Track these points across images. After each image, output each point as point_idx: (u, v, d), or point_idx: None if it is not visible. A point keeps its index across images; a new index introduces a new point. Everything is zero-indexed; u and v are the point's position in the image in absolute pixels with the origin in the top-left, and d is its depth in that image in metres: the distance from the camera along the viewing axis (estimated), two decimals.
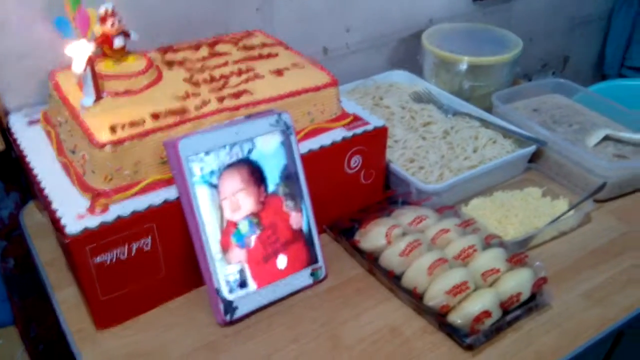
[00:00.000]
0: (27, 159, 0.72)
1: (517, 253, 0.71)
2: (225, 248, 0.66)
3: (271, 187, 0.69)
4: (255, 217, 0.68)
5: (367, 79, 1.09)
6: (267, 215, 0.68)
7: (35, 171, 0.70)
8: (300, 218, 0.71)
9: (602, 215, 0.86)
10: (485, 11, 1.28)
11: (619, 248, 0.80)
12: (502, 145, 0.94)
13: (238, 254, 0.67)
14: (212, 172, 0.65)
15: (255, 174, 0.68)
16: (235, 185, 0.66)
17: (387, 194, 0.86)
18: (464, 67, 1.06)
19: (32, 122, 0.79)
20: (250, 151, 0.67)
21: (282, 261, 0.70)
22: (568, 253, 0.79)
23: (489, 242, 0.73)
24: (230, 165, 0.66)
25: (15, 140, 0.76)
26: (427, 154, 0.90)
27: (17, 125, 0.79)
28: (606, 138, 0.96)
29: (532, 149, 0.92)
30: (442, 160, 0.90)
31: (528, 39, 1.38)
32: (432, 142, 0.94)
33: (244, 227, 0.67)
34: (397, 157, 0.90)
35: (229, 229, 0.66)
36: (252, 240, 0.68)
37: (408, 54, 1.18)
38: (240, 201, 0.67)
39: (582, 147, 0.93)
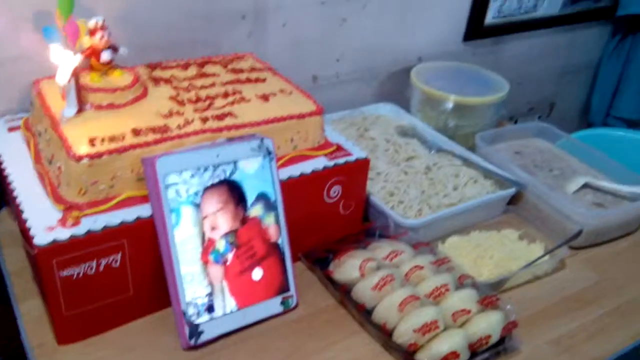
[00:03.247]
0: (3, 165, 0.71)
1: (489, 295, 0.71)
2: (206, 262, 0.65)
3: (250, 208, 0.68)
4: (234, 236, 0.67)
5: (355, 109, 1.10)
6: (245, 233, 0.68)
7: (10, 178, 0.69)
8: (274, 242, 0.70)
9: (576, 262, 0.86)
10: (475, 52, 1.30)
11: (591, 297, 0.80)
12: (482, 185, 0.94)
13: (216, 271, 0.66)
14: (196, 192, 0.64)
15: (236, 193, 0.67)
16: (216, 203, 0.66)
17: (365, 226, 0.86)
18: (449, 105, 1.07)
19: (12, 129, 0.78)
20: (232, 173, 0.67)
21: (258, 273, 0.69)
22: (540, 298, 0.79)
23: (462, 282, 0.73)
24: (212, 186, 0.66)
25: None
26: (408, 189, 0.91)
27: None
28: (586, 186, 0.97)
29: (511, 191, 0.92)
30: (422, 195, 0.90)
31: (516, 83, 1.39)
32: (414, 177, 0.94)
33: (221, 245, 0.67)
34: (377, 190, 0.90)
35: (208, 247, 0.66)
36: (230, 257, 0.67)
37: (396, 88, 1.19)
38: (219, 219, 0.66)
39: (561, 193, 0.94)
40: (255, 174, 0.68)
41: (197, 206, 0.65)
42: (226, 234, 0.67)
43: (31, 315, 0.70)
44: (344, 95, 1.16)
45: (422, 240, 0.81)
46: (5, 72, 0.81)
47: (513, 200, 0.94)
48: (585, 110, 1.69)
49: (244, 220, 0.68)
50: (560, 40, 1.46)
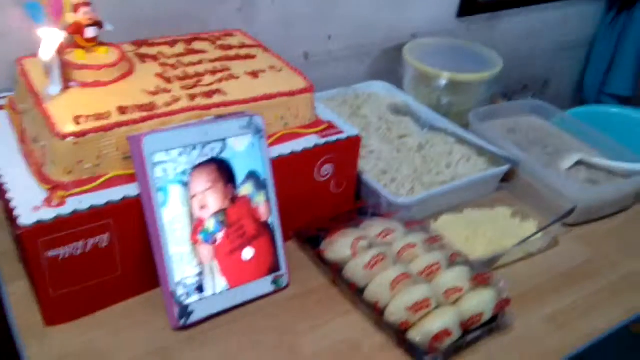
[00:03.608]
0: None
1: (482, 273, 0.71)
2: (196, 241, 0.65)
3: (240, 187, 0.67)
4: (223, 215, 0.66)
5: (347, 87, 1.09)
6: (235, 212, 0.67)
7: None
8: (265, 221, 0.69)
9: (570, 239, 0.86)
10: (469, 28, 1.28)
11: (584, 274, 0.80)
12: (475, 163, 0.93)
13: (205, 251, 0.65)
14: (184, 171, 0.63)
15: (225, 172, 0.66)
16: (205, 182, 0.65)
17: (357, 204, 0.85)
18: (443, 82, 1.06)
19: None
20: (222, 151, 0.66)
21: (248, 253, 0.68)
22: (533, 275, 0.79)
23: (454, 259, 0.73)
24: (200, 164, 0.64)
25: None
26: (401, 167, 0.90)
27: None
28: (579, 162, 0.96)
29: (504, 168, 0.92)
30: (414, 173, 0.89)
31: (510, 59, 1.38)
32: (407, 154, 0.93)
33: (211, 224, 0.66)
34: (370, 168, 0.89)
35: (197, 226, 0.65)
36: (220, 237, 0.66)
37: (389, 65, 1.18)
38: (208, 198, 0.65)
39: (555, 170, 0.93)
40: (245, 152, 0.67)
41: (186, 185, 0.64)
42: (216, 213, 0.66)
43: (18, 296, 0.69)
44: (336, 73, 1.14)
45: (414, 218, 0.80)
46: None
47: (506, 177, 0.94)
48: (579, 87, 1.68)
49: (234, 199, 0.67)
50: (554, 17, 1.44)
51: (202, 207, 0.65)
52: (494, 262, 0.78)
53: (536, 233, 0.82)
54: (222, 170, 0.66)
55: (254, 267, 0.69)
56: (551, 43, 1.51)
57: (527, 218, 0.86)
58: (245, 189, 0.68)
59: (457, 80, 1.06)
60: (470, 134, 0.99)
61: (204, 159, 0.65)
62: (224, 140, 0.66)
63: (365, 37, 1.15)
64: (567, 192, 0.87)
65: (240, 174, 0.67)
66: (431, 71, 1.06)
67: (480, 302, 0.68)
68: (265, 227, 0.70)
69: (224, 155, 0.66)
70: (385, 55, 1.20)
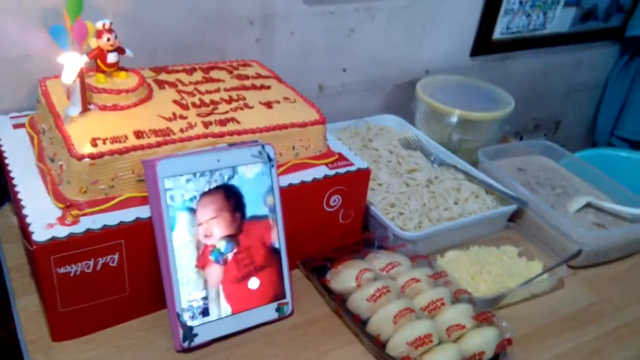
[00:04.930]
0: (6, 161, 0.72)
1: (485, 311, 0.71)
2: (202, 267, 0.65)
3: (249, 214, 0.68)
4: (232, 240, 0.67)
5: (360, 119, 1.10)
6: (243, 239, 0.68)
7: (12, 174, 0.70)
8: (272, 249, 0.70)
9: (575, 282, 0.86)
10: (482, 67, 1.30)
11: (588, 317, 0.80)
12: (483, 201, 0.94)
13: (216, 272, 0.66)
14: (192, 197, 0.65)
15: (234, 200, 0.67)
16: (212, 211, 0.66)
17: (364, 236, 0.86)
18: (454, 119, 1.07)
19: (17, 126, 0.79)
20: (231, 178, 0.67)
21: (254, 282, 0.69)
22: (537, 316, 0.79)
23: (458, 296, 0.73)
24: (210, 191, 0.66)
25: None
26: (409, 201, 0.91)
27: (2, 127, 0.78)
28: (588, 205, 0.97)
29: (512, 207, 0.92)
30: (422, 208, 0.90)
31: (522, 99, 1.40)
32: (415, 189, 0.94)
33: (221, 246, 0.67)
34: (378, 201, 0.90)
35: (207, 249, 0.66)
36: (229, 258, 0.67)
37: (402, 100, 1.19)
38: (215, 226, 0.66)
39: (563, 212, 0.94)
40: (255, 180, 0.69)
41: (193, 212, 0.65)
42: (225, 237, 0.67)
43: (28, 310, 0.70)
44: (349, 105, 1.16)
45: (420, 253, 0.81)
46: (14, 70, 0.82)
47: (514, 216, 0.94)
48: (592, 129, 1.69)
49: (242, 227, 0.68)
50: (568, 59, 1.46)
51: (207, 236, 0.66)
52: (498, 301, 0.79)
53: (541, 274, 0.83)
54: (230, 197, 0.67)
55: (258, 294, 0.70)
56: (564, 84, 1.52)
57: (533, 258, 0.86)
58: (254, 217, 0.69)
59: (468, 118, 1.07)
60: (480, 172, 1.00)
61: (213, 185, 0.66)
62: (234, 167, 0.67)
63: (379, 71, 1.17)
64: (574, 235, 0.87)
65: (249, 201, 0.69)
66: (443, 108, 1.08)
67: (482, 340, 0.68)
68: (272, 255, 0.70)
69: (233, 182, 0.67)
70: (398, 90, 1.22)
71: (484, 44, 1.26)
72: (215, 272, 0.66)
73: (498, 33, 1.27)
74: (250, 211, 0.69)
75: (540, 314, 0.79)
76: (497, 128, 1.11)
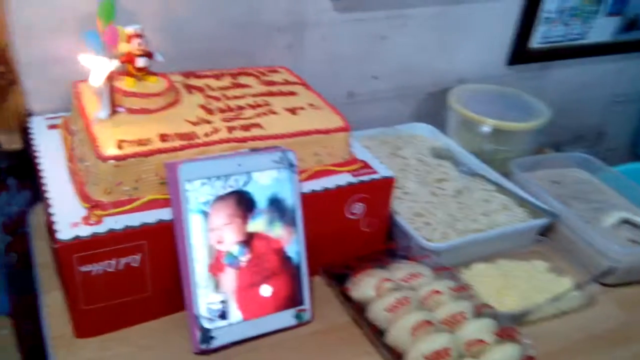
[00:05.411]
0: (38, 161, 0.74)
1: (508, 327, 0.69)
2: (214, 273, 0.66)
3: (262, 222, 0.68)
4: (245, 246, 0.68)
5: (390, 127, 1.09)
6: (256, 247, 0.68)
7: (43, 174, 0.72)
8: (290, 256, 0.70)
9: (606, 300, 0.83)
10: (519, 76, 1.27)
11: (618, 338, 0.77)
12: (514, 213, 0.92)
13: (229, 276, 0.67)
14: (207, 201, 0.65)
15: (248, 206, 0.68)
16: (226, 215, 0.66)
17: (388, 245, 0.85)
18: (486, 129, 1.05)
19: (52, 127, 0.82)
20: (246, 184, 0.67)
21: (266, 290, 0.69)
22: (565, 335, 0.76)
23: (481, 311, 0.71)
24: (224, 196, 0.66)
25: (31, 141, 0.79)
26: (435, 211, 0.89)
27: (37, 127, 0.81)
28: (624, 221, 0.93)
29: (543, 221, 0.90)
30: (449, 219, 0.88)
31: (562, 110, 1.36)
32: (443, 199, 0.92)
33: (235, 250, 0.67)
34: (404, 210, 0.89)
35: (220, 254, 0.66)
36: (242, 264, 0.67)
37: (434, 108, 1.18)
38: (228, 231, 0.67)
39: (597, 227, 0.91)
40: (272, 185, 0.69)
41: (207, 216, 0.65)
42: (237, 243, 0.67)
43: (54, 307, 0.72)
44: (380, 113, 1.15)
45: (444, 264, 0.79)
46: (50, 73, 0.85)
47: (546, 230, 0.91)
48: (635, 142, 1.63)
49: (255, 233, 0.68)
50: (610, 69, 1.41)
51: (219, 242, 0.66)
52: (524, 317, 0.76)
53: (571, 290, 0.80)
54: (243, 203, 0.67)
55: (276, 300, 0.70)
56: (606, 95, 1.47)
57: (563, 274, 0.84)
58: (271, 223, 0.69)
59: (501, 128, 1.05)
60: (511, 183, 0.97)
61: (228, 190, 0.66)
62: (252, 173, 0.67)
63: (411, 79, 1.16)
64: (608, 251, 0.84)
65: (263, 207, 0.68)
66: (475, 117, 1.06)
67: (502, 357, 0.66)
68: (289, 261, 0.70)
69: (247, 188, 0.67)
70: (430, 98, 1.20)
71: (520, 53, 1.23)
72: (230, 276, 0.67)
73: (535, 42, 1.24)
74: (264, 218, 0.68)
75: (568, 332, 0.77)
76: (531, 139, 1.08)
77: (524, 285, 0.80)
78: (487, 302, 0.74)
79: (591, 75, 1.39)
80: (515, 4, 1.19)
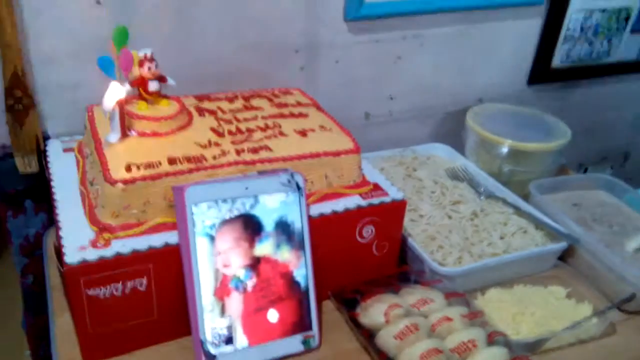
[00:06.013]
0: (52, 183, 0.75)
1: (521, 356, 0.67)
2: (220, 297, 0.65)
3: (269, 245, 0.68)
4: (251, 270, 0.67)
5: (406, 148, 1.08)
6: (263, 271, 0.68)
7: (56, 196, 0.73)
8: (298, 280, 0.70)
9: (627, 328, 0.79)
10: (540, 95, 1.25)
11: None
12: (532, 237, 0.89)
13: (236, 301, 0.66)
14: (213, 225, 0.65)
15: (254, 229, 0.67)
16: (232, 239, 0.66)
17: (400, 269, 0.83)
18: (504, 150, 1.03)
19: (67, 150, 0.83)
20: (252, 207, 0.67)
21: (273, 315, 0.68)
22: None
23: (493, 338, 0.69)
24: (230, 219, 0.66)
25: (47, 164, 0.80)
26: (450, 234, 0.87)
27: (53, 150, 0.83)
28: None
29: (562, 245, 0.87)
30: (464, 242, 0.86)
31: (586, 130, 1.33)
32: (458, 222, 0.91)
33: (241, 274, 0.67)
34: (418, 233, 0.87)
35: (226, 278, 0.66)
36: (248, 288, 0.67)
37: (453, 129, 1.16)
38: (234, 255, 0.66)
39: (618, 252, 0.88)
40: (280, 208, 0.68)
41: (213, 239, 0.65)
42: (243, 267, 0.67)
43: (63, 329, 0.72)
44: (397, 133, 1.15)
45: (459, 290, 0.77)
46: (67, 96, 0.87)
47: (564, 255, 0.89)
48: None
49: (259, 258, 0.68)
50: (636, 88, 1.38)
51: (225, 266, 0.66)
52: (540, 345, 0.74)
53: (590, 317, 0.77)
54: (249, 227, 0.67)
55: (282, 326, 0.69)
56: (632, 115, 1.43)
57: (582, 300, 0.81)
58: (277, 247, 0.68)
59: (520, 149, 1.03)
60: (530, 206, 0.95)
61: (233, 214, 0.66)
62: (258, 196, 0.67)
63: (429, 99, 1.15)
64: (629, 276, 0.81)
65: (270, 231, 0.68)
66: (493, 138, 1.04)
67: None
68: (297, 285, 0.70)
69: (257, 212, 0.67)
70: (449, 118, 1.19)
71: (542, 72, 1.21)
72: (236, 301, 0.66)
73: (557, 61, 1.21)
74: (271, 242, 0.68)
75: None
76: (551, 160, 1.06)
77: (540, 311, 0.78)
78: (502, 329, 0.72)
79: (616, 95, 1.36)
80: (536, 22, 1.17)
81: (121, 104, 0.69)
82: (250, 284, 0.67)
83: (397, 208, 0.78)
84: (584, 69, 1.26)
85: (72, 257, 0.62)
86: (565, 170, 1.16)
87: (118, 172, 0.66)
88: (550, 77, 1.24)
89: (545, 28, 1.18)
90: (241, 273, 0.67)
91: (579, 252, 0.88)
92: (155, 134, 0.73)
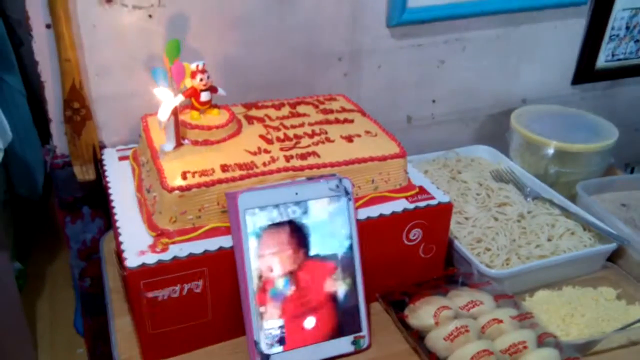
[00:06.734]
0: (110, 191, 0.79)
1: (572, 357, 0.67)
2: (261, 303, 0.68)
3: (314, 251, 0.70)
4: (292, 276, 0.69)
5: (449, 150, 1.09)
6: (313, 273, 0.69)
7: (114, 203, 0.76)
8: (348, 282, 0.71)
9: None
10: (585, 96, 1.24)
11: None
12: (580, 238, 0.89)
13: (286, 302, 0.68)
14: (261, 228, 0.67)
15: (299, 235, 0.69)
16: (276, 244, 0.68)
17: (447, 271, 0.84)
18: (550, 151, 1.03)
19: (122, 158, 0.87)
20: (302, 211, 0.69)
21: (323, 317, 0.70)
22: None
23: (543, 340, 0.69)
24: (276, 224, 0.68)
25: (104, 172, 0.84)
26: (497, 236, 0.88)
27: (109, 159, 0.86)
28: None
29: (611, 246, 0.86)
30: (511, 244, 0.86)
31: (633, 128, 1.31)
32: (505, 224, 0.91)
33: (280, 283, 0.69)
34: (464, 235, 0.88)
35: (266, 285, 0.68)
36: (288, 296, 0.69)
37: (497, 130, 1.16)
38: (285, 257, 0.68)
39: None
40: (329, 213, 0.70)
41: (260, 243, 0.67)
42: (284, 274, 0.68)
43: (123, 331, 0.76)
44: (439, 136, 1.15)
45: (507, 292, 0.78)
46: (121, 106, 0.91)
47: (614, 256, 0.88)
48: None
49: (302, 265, 0.69)
50: None
51: (270, 269, 0.68)
52: (590, 347, 0.73)
53: None
54: (295, 233, 0.69)
55: (329, 328, 0.70)
56: None
57: (633, 302, 0.80)
58: (325, 250, 0.70)
59: (566, 149, 1.02)
60: (578, 207, 0.94)
61: (284, 219, 0.68)
62: (307, 202, 0.69)
63: (472, 101, 1.15)
64: None
65: (317, 238, 0.69)
66: (538, 139, 1.04)
67: None
68: (345, 288, 0.71)
69: (303, 218, 0.69)
70: (492, 120, 1.19)
71: (586, 72, 1.20)
72: (287, 302, 0.68)
73: (602, 60, 1.20)
74: (316, 248, 0.70)
75: None
76: (598, 160, 1.05)
77: (590, 313, 0.78)
78: (551, 331, 0.72)
79: None
80: (580, 22, 1.16)
81: (176, 115, 0.72)
82: (301, 285, 0.69)
83: (444, 211, 0.78)
84: (629, 68, 1.24)
85: (132, 261, 0.65)
86: (612, 171, 1.15)
87: (174, 179, 0.68)
88: (595, 77, 1.22)
89: (589, 28, 1.16)
90: (291, 275, 0.69)
91: (629, 252, 0.87)
92: (206, 142, 0.76)
